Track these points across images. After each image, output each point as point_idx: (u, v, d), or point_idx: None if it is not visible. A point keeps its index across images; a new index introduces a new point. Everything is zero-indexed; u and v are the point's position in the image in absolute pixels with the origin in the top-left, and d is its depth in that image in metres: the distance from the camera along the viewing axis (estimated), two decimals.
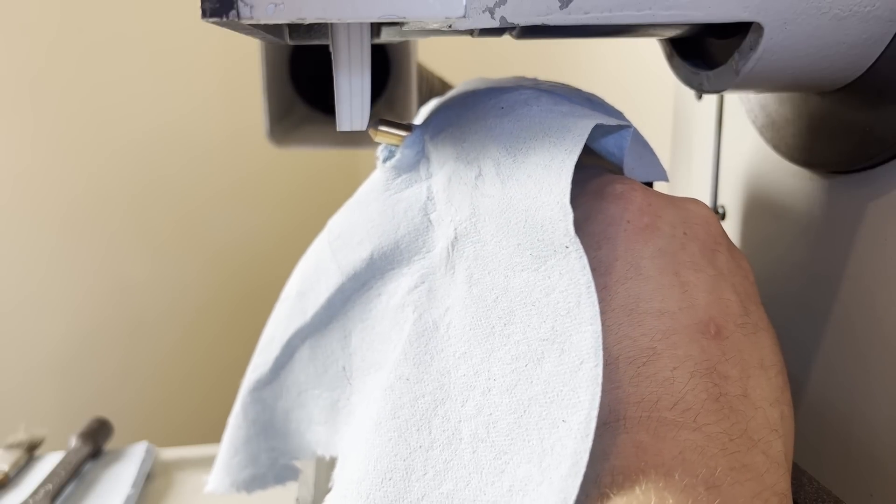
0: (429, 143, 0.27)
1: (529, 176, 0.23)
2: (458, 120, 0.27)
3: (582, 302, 0.19)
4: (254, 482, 0.33)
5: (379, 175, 0.28)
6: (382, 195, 0.27)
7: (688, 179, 0.43)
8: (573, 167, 0.22)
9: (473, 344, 0.22)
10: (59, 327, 1.24)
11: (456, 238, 0.24)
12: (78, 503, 0.50)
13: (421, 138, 0.28)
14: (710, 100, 0.40)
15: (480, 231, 0.23)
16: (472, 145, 0.25)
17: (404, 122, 0.28)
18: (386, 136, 0.27)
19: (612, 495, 0.18)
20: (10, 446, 0.56)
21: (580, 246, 0.20)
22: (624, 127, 0.25)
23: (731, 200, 0.38)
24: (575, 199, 0.23)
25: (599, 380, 0.18)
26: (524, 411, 0.19)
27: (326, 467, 0.55)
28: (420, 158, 0.27)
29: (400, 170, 0.27)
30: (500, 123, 0.25)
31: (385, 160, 0.28)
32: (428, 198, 0.26)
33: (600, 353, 0.19)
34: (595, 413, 0.18)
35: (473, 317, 0.22)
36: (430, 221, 0.26)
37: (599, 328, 0.19)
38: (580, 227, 0.23)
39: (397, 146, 0.28)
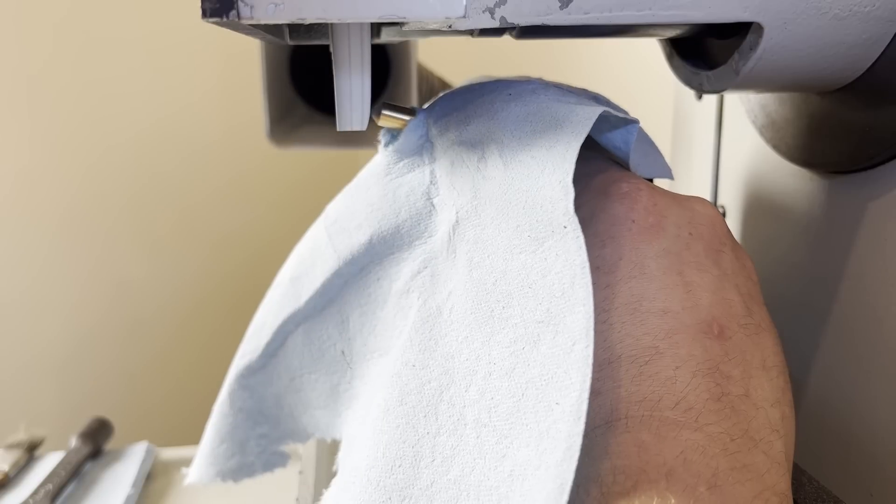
0: (432, 126, 0.27)
1: (533, 157, 0.22)
2: (464, 105, 0.27)
3: (576, 283, 0.19)
4: (241, 471, 0.32)
5: (380, 159, 0.28)
6: (383, 179, 0.27)
7: (688, 179, 0.43)
8: (578, 149, 0.22)
9: (474, 328, 0.22)
10: (58, 326, 1.24)
11: (457, 222, 0.24)
12: (78, 503, 0.50)
13: (424, 122, 0.27)
14: (710, 100, 0.40)
15: (481, 214, 0.23)
16: (477, 129, 0.25)
17: (408, 106, 0.27)
18: (389, 121, 0.27)
19: (613, 494, 0.18)
20: (10, 446, 0.56)
21: (578, 225, 0.20)
22: (631, 121, 0.25)
23: (731, 200, 0.38)
24: (579, 196, 0.23)
25: (590, 360, 0.18)
26: (522, 394, 0.19)
27: (327, 466, 0.55)
28: (423, 142, 0.27)
29: (402, 153, 0.27)
30: (507, 107, 0.25)
31: (387, 144, 0.27)
32: (431, 182, 0.26)
33: (591, 333, 0.18)
34: (586, 395, 0.18)
35: (474, 301, 0.22)
36: (433, 206, 0.26)
37: (591, 309, 0.19)
38: (585, 225, 0.23)
39: (400, 130, 0.27)
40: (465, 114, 0.26)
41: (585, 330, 0.19)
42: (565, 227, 0.20)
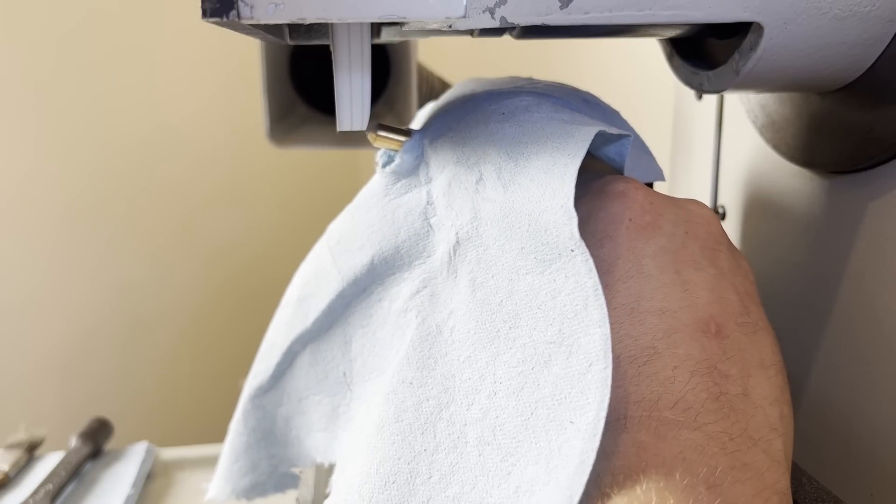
0: (428, 147, 0.27)
1: (532, 180, 0.23)
2: (458, 125, 0.27)
3: (589, 305, 0.19)
4: (254, 489, 0.32)
5: (378, 180, 0.28)
6: (382, 200, 0.27)
7: (688, 179, 0.43)
8: (576, 172, 0.22)
9: (478, 347, 0.22)
10: (60, 327, 1.24)
11: (458, 242, 0.24)
12: (78, 503, 0.50)
13: (420, 143, 0.27)
14: (710, 100, 0.40)
15: (482, 235, 0.23)
16: (473, 150, 0.25)
17: (403, 127, 0.28)
18: (385, 141, 0.27)
19: (613, 495, 0.18)
20: (10, 446, 0.56)
21: (586, 249, 0.20)
22: (624, 136, 0.25)
23: (731, 200, 0.38)
24: (577, 199, 0.23)
25: (608, 381, 0.18)
26: (531, 413, 0.19)
27: (327, 468, 0.55)
28: (419, 163, 0.27)
29: (399, 174, 0.27)
30: (502, 128, 0.25)
31: (384, 165, 0.28)
32: (428, 202, 0.26)
33: (609, 355, 0.19)
34: (603, 414, 0.18)
35: (478, 320, 0.22)
36: (430, 226, 0.26)
37: (608, 331, 0.19)
38: (582, 225, 0.23)
39: (396, 151, 0.27)
40: (460, 134, 0.26)
41: (603, 352, 0.19)
42: (572, 251, 0.20)
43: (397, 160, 0.27)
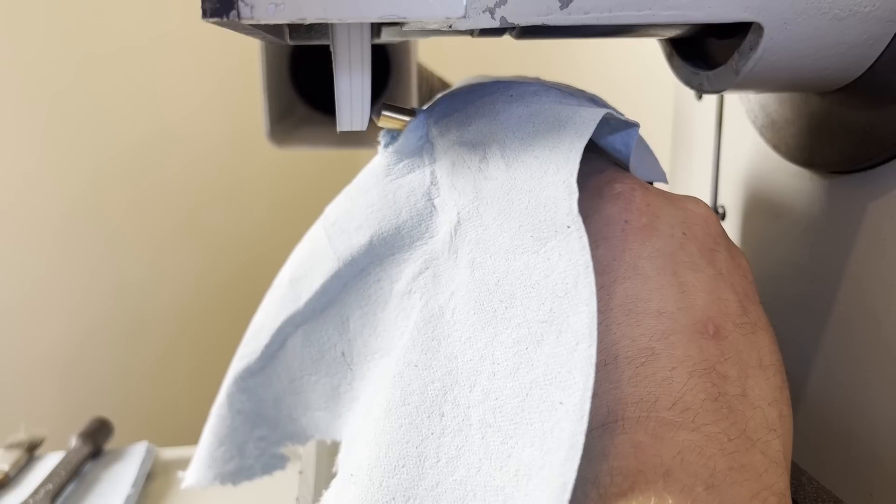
0: (433, 127, 0.27)
1: (536, 157, 0.22)
2: (465, 106, 0.26)
3: (579, 283, 0.19)
4: (240, 473, 0.32)
5: (380, 160, 0.28)
6: (383, 180, 0.27)
7: (688, 179, 0.43)
8: (581, 150, 0.22)
9: (477, 328, 0.22)
10: (60, 327, 1.24)
11: (459, 222, 0.24)
12: (78, 503, 0.50)
13: (425, 123, 0.27)
14: (710, 100, 0.40)
15: (483, 214, 0.23)
16: (479, 129, 0.25)
17: (408, 107, 0.27)
18: (390, 121, 0.27)
19: (611, 496, 0.18)
20: (10, 446, 0.56)
21: (582, 225, 0.20)
22: (632, 125, 0.25)
23: (731, 200, 0.38)
24: None
25: (593, 360, 0.18)
26: (526, 394, 0.19)
27: (327, 466, 0.55)
28: (423, 143, 0.27)
29: (402, 154, 0.27)
30: (509, 108, 0.25)
31: (387, 145, 0.27)
32: (432, 182, 0.26)
33: (594, 333, 0.18)
34: (589, 394, 0.18)
35: (476, 301, 0.22)
36: (433, 206, 0.26)
37: (595, 309, 0.19)
38: None
39: (401, 131, 0.27)
40: (466, 115, 0.26)
41: (589, 330, 0.19)
42: (569, 227, 0.20)
43: (400, 140, 0.27)
